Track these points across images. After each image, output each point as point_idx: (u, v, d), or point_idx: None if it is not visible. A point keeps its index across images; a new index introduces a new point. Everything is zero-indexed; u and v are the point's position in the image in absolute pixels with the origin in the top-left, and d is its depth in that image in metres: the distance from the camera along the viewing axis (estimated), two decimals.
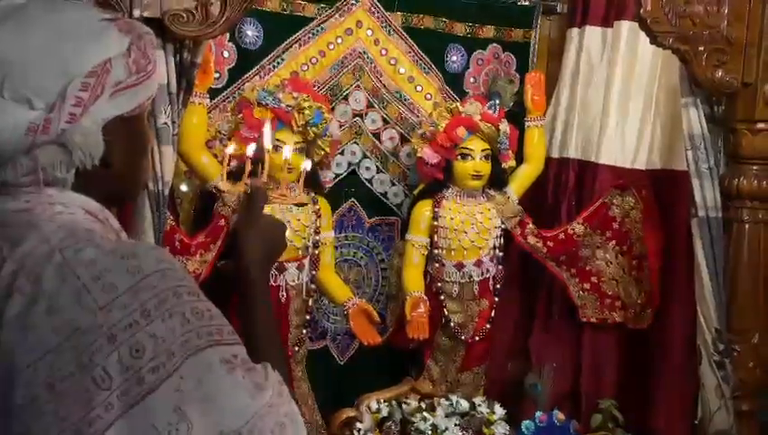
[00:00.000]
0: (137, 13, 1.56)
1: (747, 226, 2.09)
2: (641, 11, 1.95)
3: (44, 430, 0.80)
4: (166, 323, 0.83)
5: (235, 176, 1.96)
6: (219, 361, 0.85)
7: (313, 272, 2.12)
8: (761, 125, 2.05)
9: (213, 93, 2.08)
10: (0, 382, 0.82)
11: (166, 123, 1.68)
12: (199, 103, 1.94)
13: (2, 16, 0.93)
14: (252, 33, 2.18)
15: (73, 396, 0.80)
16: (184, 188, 2.13)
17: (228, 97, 2.17)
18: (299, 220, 2.05)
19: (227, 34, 2.10)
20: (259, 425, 0.85)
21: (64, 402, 0.80)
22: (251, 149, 1.81)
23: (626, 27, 2.36)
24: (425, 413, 2.09)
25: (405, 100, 2.38)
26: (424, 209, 2.24)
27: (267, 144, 1.73)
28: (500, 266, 2.29)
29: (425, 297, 2.18)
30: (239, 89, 2.17)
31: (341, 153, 2.33)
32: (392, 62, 2.35)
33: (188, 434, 0.80)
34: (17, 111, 0.89)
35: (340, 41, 2.28)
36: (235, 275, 1.15)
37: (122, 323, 0.82)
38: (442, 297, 2.24)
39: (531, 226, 2.30)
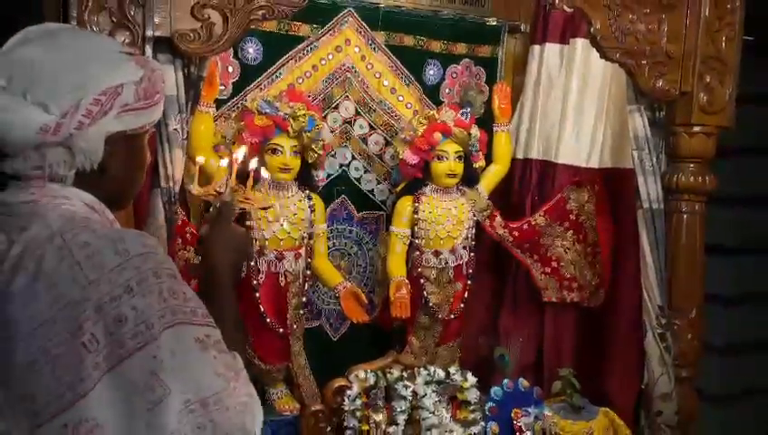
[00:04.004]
0: (149, 32, 1.60)
1: (685, 216, 2.15)
2: (592, 29, 2.00)
3: (45, 387, 0.85)
4: (146, 299, 0.87)
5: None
6: (193, 339, 0.89)
7: (309, 260, 2.13)
8: (696, 128, 2.10)
9: (219, 104, 2.08)
10: (2, 349, 0.86)
11: (176, 129, 1.72)
12: (206, 112, 1.95)
13: (38, 36, 1.00)
14: (253, 50, 2.18)
15: (67, 358, 0.85)
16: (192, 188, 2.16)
17: (232, 107, 2.17)
18: (295, 214, 2.07)
19: (231, 51, 2.11)
20: (225, 400, 0.88)
21: (60, 363, 0.84)
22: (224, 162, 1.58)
23: (580, 44, 2.36)
24: (406, 381, 2.08)
25: (388, 108, 2.37)
26: (406, 204, 2.24)
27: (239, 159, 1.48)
28: (472, 254, 2.27)
29: (407, 281, 2.17)
30: (242, 99, 2.17)
31: (333, 156, 2.33)
32: (377, 75, 2.35)
33: (164, 396, 0.84)
34: (33, 113, 0.94)
35: (331, 57, 2.28)
36: (204, 277, 1.16)
37: (108, 296, 0.86)
38: (422, 281, 2.23)
39: (499, 218, 2.31)
